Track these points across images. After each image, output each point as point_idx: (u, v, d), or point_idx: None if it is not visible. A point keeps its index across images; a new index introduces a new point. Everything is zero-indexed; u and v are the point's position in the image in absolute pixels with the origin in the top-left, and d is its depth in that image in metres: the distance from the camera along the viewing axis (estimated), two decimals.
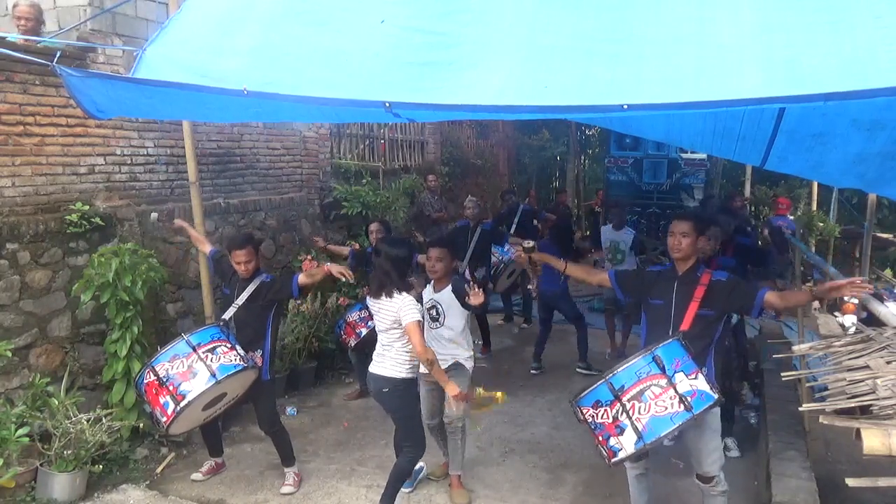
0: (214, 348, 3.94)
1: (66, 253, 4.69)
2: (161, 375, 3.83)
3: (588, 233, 12.18)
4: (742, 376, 5.85)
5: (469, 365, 4.12)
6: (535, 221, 9.04)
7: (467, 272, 6.39)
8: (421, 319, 3.65)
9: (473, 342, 4.31)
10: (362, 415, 5.61)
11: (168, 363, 3.86)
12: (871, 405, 2.86)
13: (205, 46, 3.05)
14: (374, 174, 8.49)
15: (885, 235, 10.74)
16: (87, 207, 4.75)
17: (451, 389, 3.64)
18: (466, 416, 4.19)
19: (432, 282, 4.12)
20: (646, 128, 4.34)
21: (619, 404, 3.04)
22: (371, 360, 3.91)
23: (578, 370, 6.64)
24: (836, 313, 7.62)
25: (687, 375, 3.05)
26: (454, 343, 4.06)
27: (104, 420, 4.21)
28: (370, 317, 4.74)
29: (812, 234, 10.20)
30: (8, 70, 4.35)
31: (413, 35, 2.59)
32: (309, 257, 6.68)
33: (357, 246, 6.28)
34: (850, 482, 2.83)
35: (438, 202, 8.92)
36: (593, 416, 3.12)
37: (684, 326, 3.24)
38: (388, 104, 2.38)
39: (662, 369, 3.05)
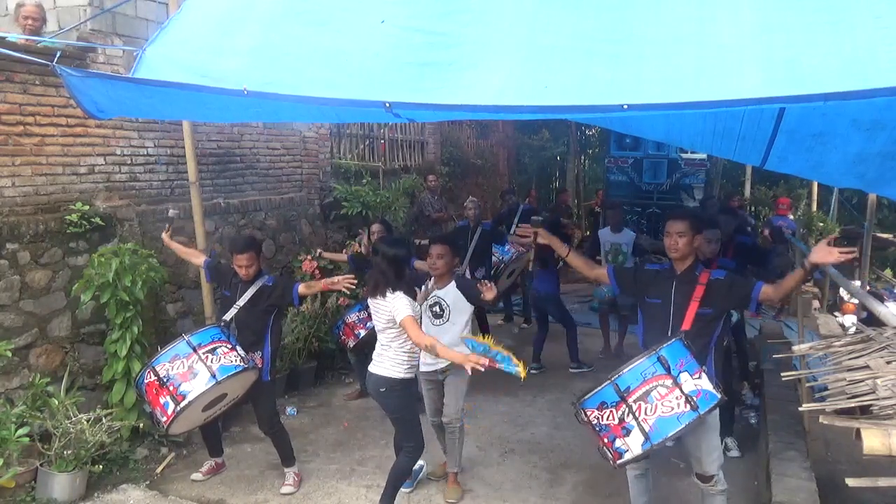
0: (215, 349, 3.95)
1: (66, 253, 4.69)
2: (161, 376, 3.84)
3: (588, 233, 12.18)
4: (742, 376, 5.85)
5: None
6: None
7: (468, 272, 6.39)
8: (414, 314, 3.61)
9: None
10: (362, 415, 5.61)
11: (168, 363, 3.87)
12: (871, 405, 2.86)
13: (205, 46, 3.05)
14: (374, 174, 8.48)
15: (885, 235, 10.71)
16: (87, 207, 4.76)
17: (462, 359, 3.33)
18: (463, 413, 4.19)
19: (433, 279, 4.12)
20: (646, 128, 4.33)
21: (624, 405, 3.03)
22: (370, 360, 3.91)
23: (571, 370, 6.68)
24: (836, 313, 7.63)
25: (691, 375, 3.05)
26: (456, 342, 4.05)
27: (104, 420, 4.21)
28: (369, 318, 4.75)
29: (812, 234, 10.20)
30: (8, 70, 4.35)
31: (413, 35, 2.59)
32: (309, 257, 6.69)
33: (357, 247, 6.28)
34: (850, 482, 2.83)
35: (438, 202, 8.91)
36: (598, 418, 3.10)
37: (685, 326, 3.23)
38: (388, 104, 2.37)
39: (668, 369, 3.04)
